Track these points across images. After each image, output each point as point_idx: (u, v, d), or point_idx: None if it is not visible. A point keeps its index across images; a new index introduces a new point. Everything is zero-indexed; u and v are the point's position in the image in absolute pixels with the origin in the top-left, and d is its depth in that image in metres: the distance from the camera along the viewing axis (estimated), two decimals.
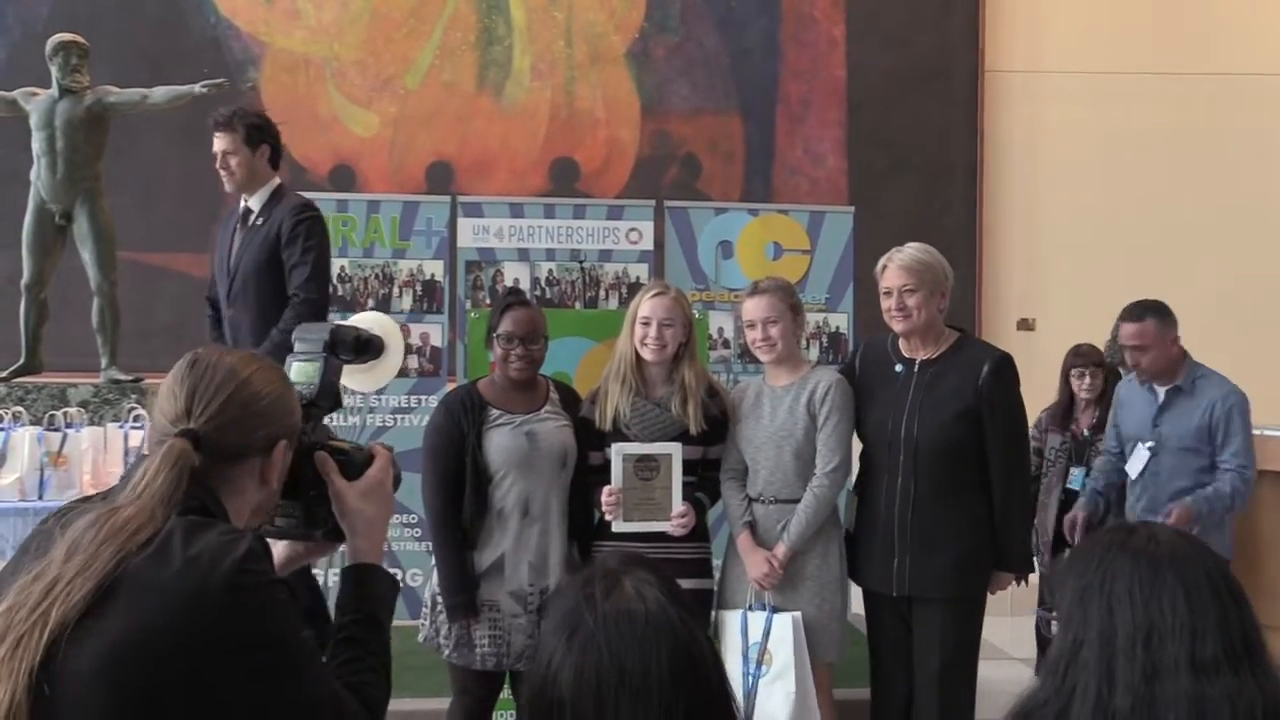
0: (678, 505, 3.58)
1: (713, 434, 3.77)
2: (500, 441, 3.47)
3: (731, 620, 3.70)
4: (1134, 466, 4.71)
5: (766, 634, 3.60)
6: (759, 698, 3.57)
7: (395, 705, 4.23)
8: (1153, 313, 4.63)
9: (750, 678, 3.60)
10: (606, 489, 3.61)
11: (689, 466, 3.69)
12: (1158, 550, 1.48)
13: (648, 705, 1.32)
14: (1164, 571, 1.45)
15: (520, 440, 3.49)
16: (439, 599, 3.50)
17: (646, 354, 3.67)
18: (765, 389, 3.81)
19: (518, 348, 3.51)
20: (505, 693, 3.71)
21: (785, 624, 3.61)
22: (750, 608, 3.69)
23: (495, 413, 3.50)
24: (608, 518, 3.63)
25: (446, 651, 3.48)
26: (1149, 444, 4.63)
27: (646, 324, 3.68)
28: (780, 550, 3.66)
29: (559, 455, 3.57)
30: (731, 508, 3.79)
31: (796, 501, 3.69)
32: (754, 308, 3.78)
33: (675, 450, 3.60)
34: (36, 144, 6.28)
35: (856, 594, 3.95)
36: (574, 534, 3.66)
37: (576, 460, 3.66)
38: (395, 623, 5.22)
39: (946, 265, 3.78)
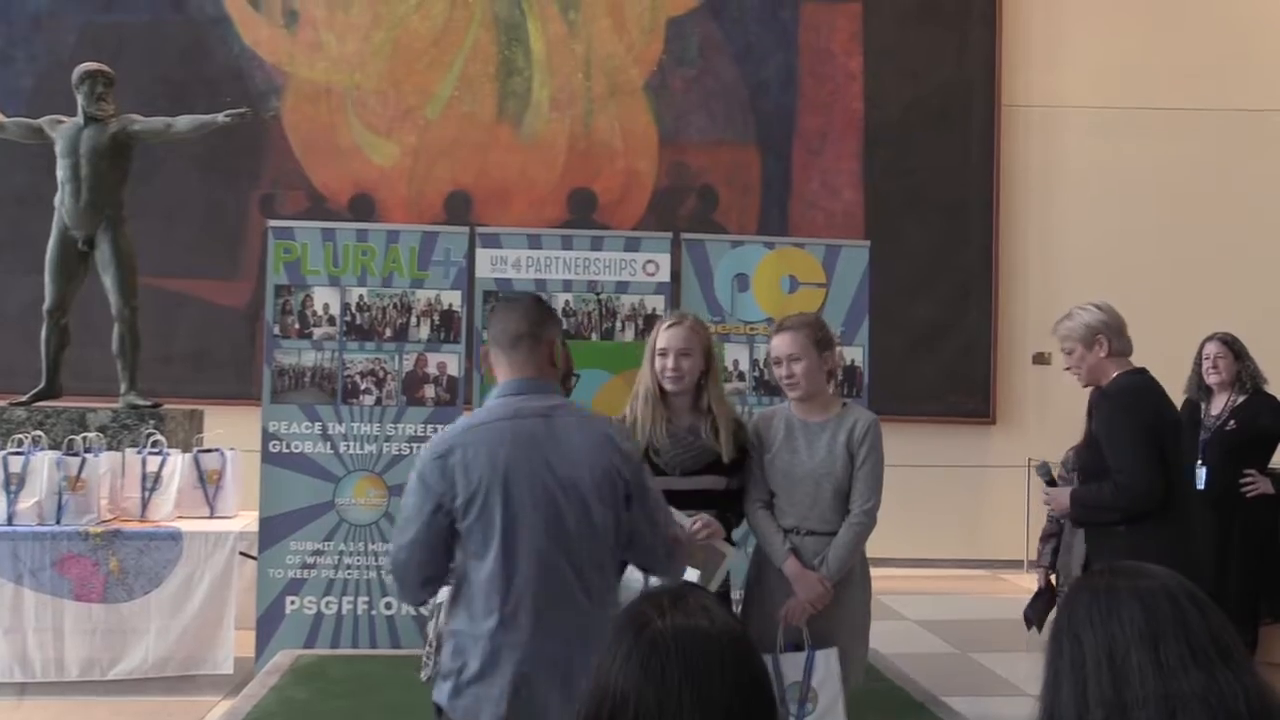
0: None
1: (741, 466, 3.77)
2: None
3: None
4: None
5: (809, 672, 3.57)
6: None
7: None
8: None
9: (794, 719, 3.55)
10: None
11: (717, 497, 3.70)
12: (1114, 579, 1.57)
13: (709, 705, 1.36)
14: (1119, 592, 1.54)
15: None
16: (445, 638, 3.47)
17: (667, 385, 3.69)
18: (797, 422, 3.79)
19: (565, 382, 3.55)
20: None
21: (828, 660, 3.59)
22: (782, 649, 3.64)
23: None
24: None
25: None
26: None
27: (664, 355, 3.70)
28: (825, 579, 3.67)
29: None
30: (770, 536, 3.75)
31: (829, 534, 3.70)
32: (778, 344, 3.80)
33: (729, 554, 3.62)
34: (61, 171, 6.35)
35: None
36: None
37: None
38: (401, 652, 5.16)
39: (1092, 319, 3.98)
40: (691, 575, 3.42)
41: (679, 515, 3.51)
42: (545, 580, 2.64)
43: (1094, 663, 1.49)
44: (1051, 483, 4.15)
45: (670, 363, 3.66)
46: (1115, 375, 3.91)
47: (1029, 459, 4.62)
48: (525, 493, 2.63)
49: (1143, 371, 3.93)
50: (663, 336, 3.72)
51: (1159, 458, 3.75)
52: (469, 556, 2.67)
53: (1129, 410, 3.80)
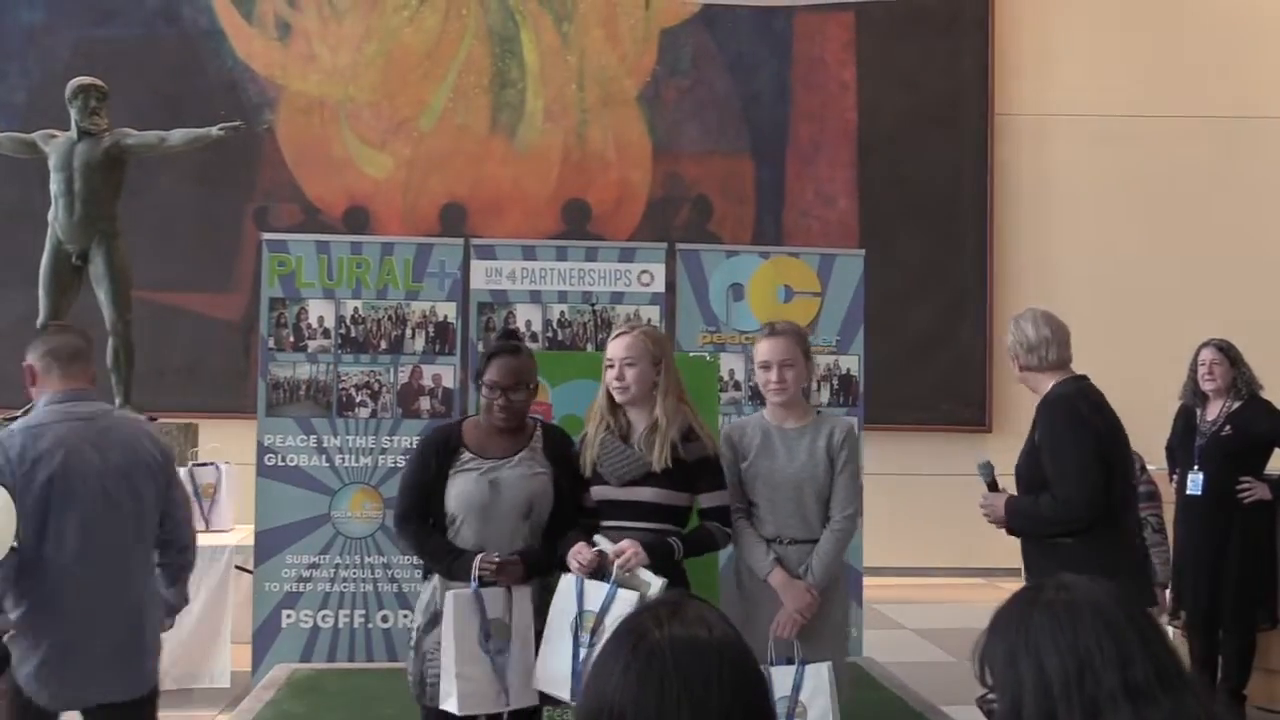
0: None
1: (695, 480, 3.55)
2: (461, 487, 3.41)
3: None
4: None
5: (798, 687, 3.56)
6: None
7: None
8: None
9: None
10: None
11: (662, 512, 3.51)
12: (1071, 595, 1.50)
13: (708, 715, 1.35)
14: (1081, 611, 1.47)
15: (482, 487, 3.41)
16: (413, 642, 3.51)
17: (615, 395, 3.61)
18: (773, 430, 3.77)
19: (500, 398, 3.45)
20: None
21: (819, 674, 3.57)
22: (771, 662, 3.61)
23: (466, 456, 3.45)
24: None
25: (417, 693, 3.49)
26: None
27: (610, 366, 3.62)
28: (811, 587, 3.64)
29: (522, 505, 3.44)
30: (752, 547, 3.69)
31: (812, 541, 3.67)
32: (770, 349, 3.74)
33: (653, 584, 3.45)
34: (55, 185, 6.35)
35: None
36: (539, 573, 3.55)
37: (559, 506, 3.53)
38: (398, 665, 5.20)
39: (1022, 333, 3.85)
40: (629, 597, 3.27)
41: (604, 541, 3.42)
42: (103, 554, 3.19)
43: (1061, 688, 1.42)
44: (993, 486, 3.84)
45: (615, 372, 3.58)
46: (1052, 384, 3.77)
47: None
48: (79, 481, 3.16)
49: (1082, 379, 3.79)
50: (609, 347, 3.65)
51: (1101, 470, 3.59)
52: (29, 541, 3.11)
53: (1070, 420, 3.65)
